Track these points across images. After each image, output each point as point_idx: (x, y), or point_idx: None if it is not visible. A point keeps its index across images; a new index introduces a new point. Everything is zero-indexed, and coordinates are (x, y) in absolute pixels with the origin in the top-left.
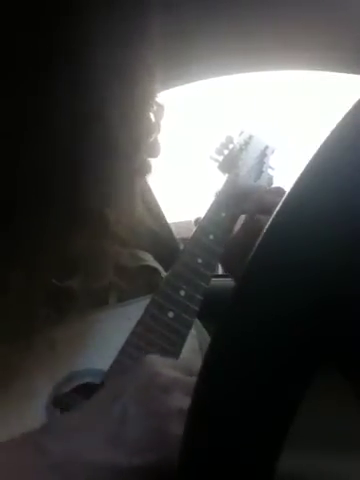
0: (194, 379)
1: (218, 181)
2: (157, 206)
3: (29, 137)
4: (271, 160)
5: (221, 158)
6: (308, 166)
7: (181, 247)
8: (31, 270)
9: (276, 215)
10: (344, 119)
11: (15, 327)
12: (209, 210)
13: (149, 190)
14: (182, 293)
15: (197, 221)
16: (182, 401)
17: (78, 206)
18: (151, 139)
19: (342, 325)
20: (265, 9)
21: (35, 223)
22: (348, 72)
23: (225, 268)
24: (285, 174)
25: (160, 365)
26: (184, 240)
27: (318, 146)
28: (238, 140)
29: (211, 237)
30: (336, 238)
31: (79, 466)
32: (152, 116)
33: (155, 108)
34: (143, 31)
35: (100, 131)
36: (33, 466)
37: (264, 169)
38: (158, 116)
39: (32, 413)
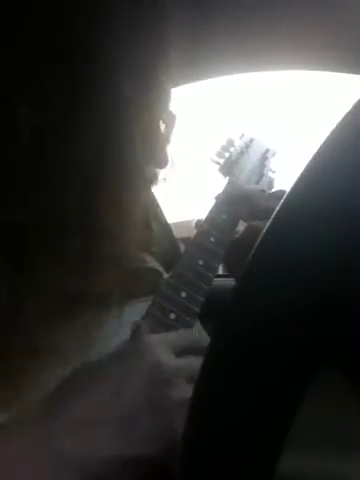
0: (192, 361)
1: (219, 183)
2: (157, 206)
3: (46, 150)
4: (272, 163)
5: (222, 161)
6: (308, 166)
7: (181, 247)
8: (42, 287)
9: (276, 214)
10: (344, 119)
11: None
12: (210, 212)
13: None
14: (183, 294)
15: (198, 224)
16: (184, 390)
17: (92, 221)
18: (163, 151)
19: (342, 325)
20: (265, 10)
21: (49, 243)
22: (348, 72)
23: (228, 268)
24: (286, 177)
25: (161, 352)
26: (184, 240)
27: (318, 146)
28: (239, 143)
29: (212, 239)
30: (336, 238)
31: (93, 461)
32: (163, 125)
33: (166, 116)
34: (160, 42)
35: (116, 142)
36: (41, 459)
37: (265, 172)
38: (169, 126)
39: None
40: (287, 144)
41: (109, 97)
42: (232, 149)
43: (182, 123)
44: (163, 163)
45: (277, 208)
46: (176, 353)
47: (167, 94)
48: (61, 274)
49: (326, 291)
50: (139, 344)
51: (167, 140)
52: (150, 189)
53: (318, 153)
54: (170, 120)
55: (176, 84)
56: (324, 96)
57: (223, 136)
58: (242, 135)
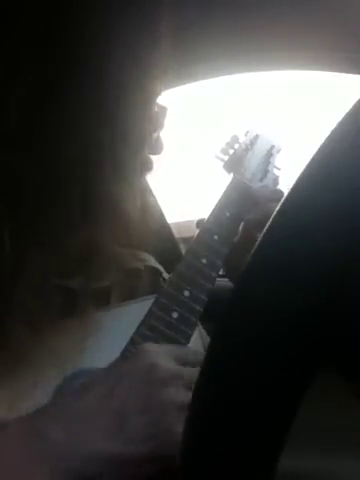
0: (192, 369)
1: (219, 183)
2: (157, 206)
3: (40, 131)
4: (277, 160)
5: (226, 157)
6: (308, 166)
7: (181, 247)
8: (39, 264)
9: (276, 215)
10: (344, 119)
11: (23, 321)
12: (214, 210)
13: (149, 190)
14: (186, 293)
15: (199, 223)
16: (180, 394)
17: (85, 200)
18: (154, 136)
19: (342, 325)
20: (265, 9)
21: (42, 215)
22: (348, 72)
23: (227, 276)
24: (291, 174)
25: (157, 356)
26: (184, 240)
27: (318, 146)
28: (244, 139)
29: (216, 237)
30: (336, 238)
31: (80, 456)
32: (155, 114)
33: (157, 108)
34: (151, 31)
35: (109, 129)
36: (37, 456)
37: (270, 169)
38: (161, 114)
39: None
40: (290, 141)
41: (103, 91)
42: (237, 145)
43: (182, 123)
44: (157, 149)
45: (277, 208)
46: (177, 363)
47: (159, 88)
48: (56, 270)
49: (326, 291)
50: (139, 349)
51: (160, 126)
52: (144, 174)
53: (318, 153)
54: (161, 109)
55: (175, 84)
56: (324, 96)
57: (223, 136)
58: (247, 131)
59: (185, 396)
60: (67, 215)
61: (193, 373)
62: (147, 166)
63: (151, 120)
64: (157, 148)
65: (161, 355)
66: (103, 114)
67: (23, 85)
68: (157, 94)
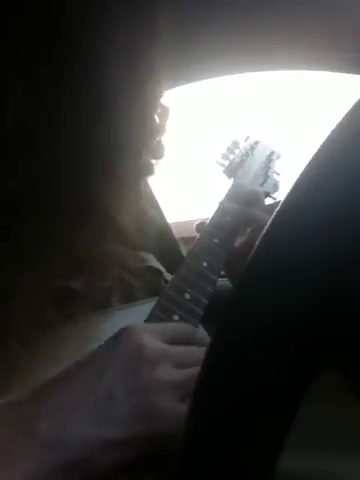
0: (180, 348)
1: (220, 182)
2: (157, 206)
3: (37, 135)
4: (277, 166)
5: (227, 163)
6: (308, 167)
7: (182, 247)
8: (38, 269)
9: (276, 216)
10: (344, 119)
11: (23, 326)
12: (214, 214)
13: (149, 190)
14: (187, 296)
15: (199, 227)
16: (168, 373)
17: (84, 206)
18: (155, 140)
19: (342, 325)
20: (265, 9)
21: (42, 223)
22: (348, 72)
23: (229, 278)
24: (291, 177)
25: (145, 336)
26: (184, 240)
27: (318, 146)
28: (244, 145)
29: (216, 241)
30: (336, 238)
31: (67, 443)
32: (157, 118)
33: (160, 110)
34: (149, 32)
35: (108, 131)
36: (21, 445)
37: (270, 174)
38: (163, 118)
39: None
40: (290, 144)
41: (102, 95)
42: (237, 151)
43: (182, 123)
44: (158, 153)
45: (278, 208)
46: (165, 341)
47: (158, 91)
48: (57, 272)
49: (327, 291)
50: (125, 330)
51: (162, 130)
52: (145, 179)
53: (318, 153)
54: (163, 112)
55: (175, 84)
56: (324, 96)
57: (223, 136)
58: (247, 137)
59: (174, 375)
60: (65, 218)
61: (181, 351)
62: (148, 170)
63: (152, 124)
64: (158, 152)
65: (147, 335)
66: (100, 117)
67: (19, 86)
68: (157, 97)
